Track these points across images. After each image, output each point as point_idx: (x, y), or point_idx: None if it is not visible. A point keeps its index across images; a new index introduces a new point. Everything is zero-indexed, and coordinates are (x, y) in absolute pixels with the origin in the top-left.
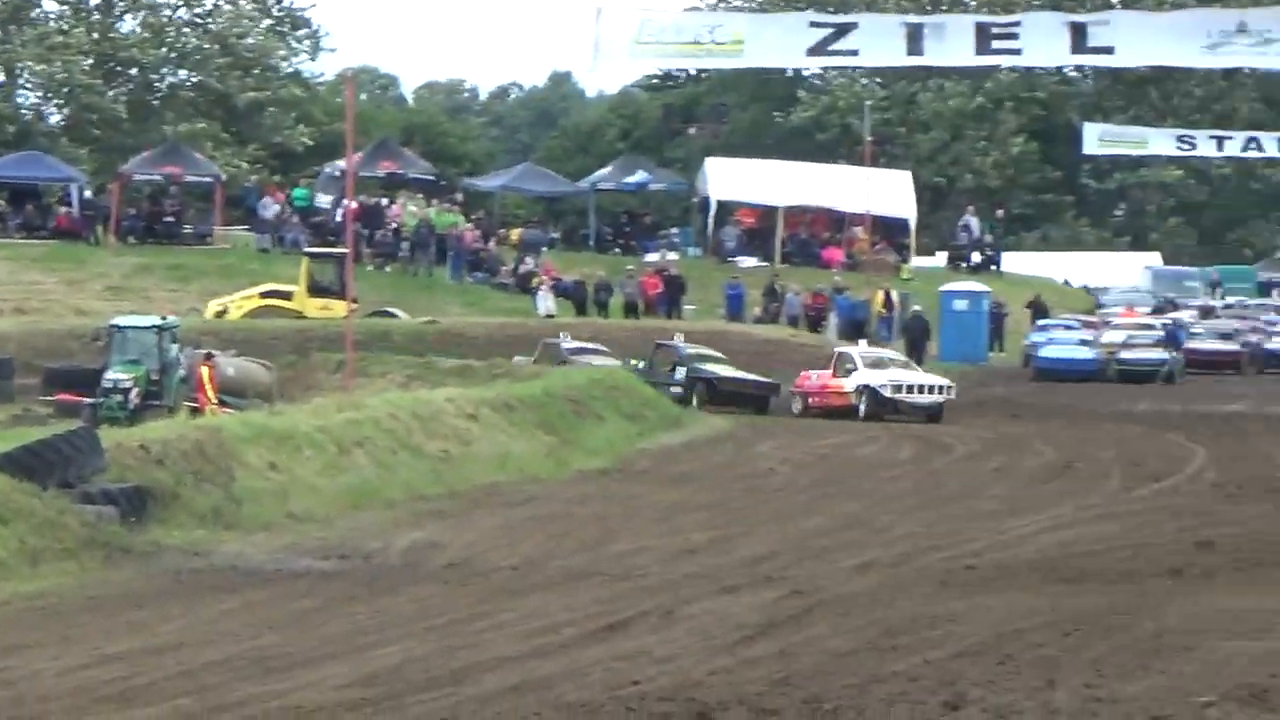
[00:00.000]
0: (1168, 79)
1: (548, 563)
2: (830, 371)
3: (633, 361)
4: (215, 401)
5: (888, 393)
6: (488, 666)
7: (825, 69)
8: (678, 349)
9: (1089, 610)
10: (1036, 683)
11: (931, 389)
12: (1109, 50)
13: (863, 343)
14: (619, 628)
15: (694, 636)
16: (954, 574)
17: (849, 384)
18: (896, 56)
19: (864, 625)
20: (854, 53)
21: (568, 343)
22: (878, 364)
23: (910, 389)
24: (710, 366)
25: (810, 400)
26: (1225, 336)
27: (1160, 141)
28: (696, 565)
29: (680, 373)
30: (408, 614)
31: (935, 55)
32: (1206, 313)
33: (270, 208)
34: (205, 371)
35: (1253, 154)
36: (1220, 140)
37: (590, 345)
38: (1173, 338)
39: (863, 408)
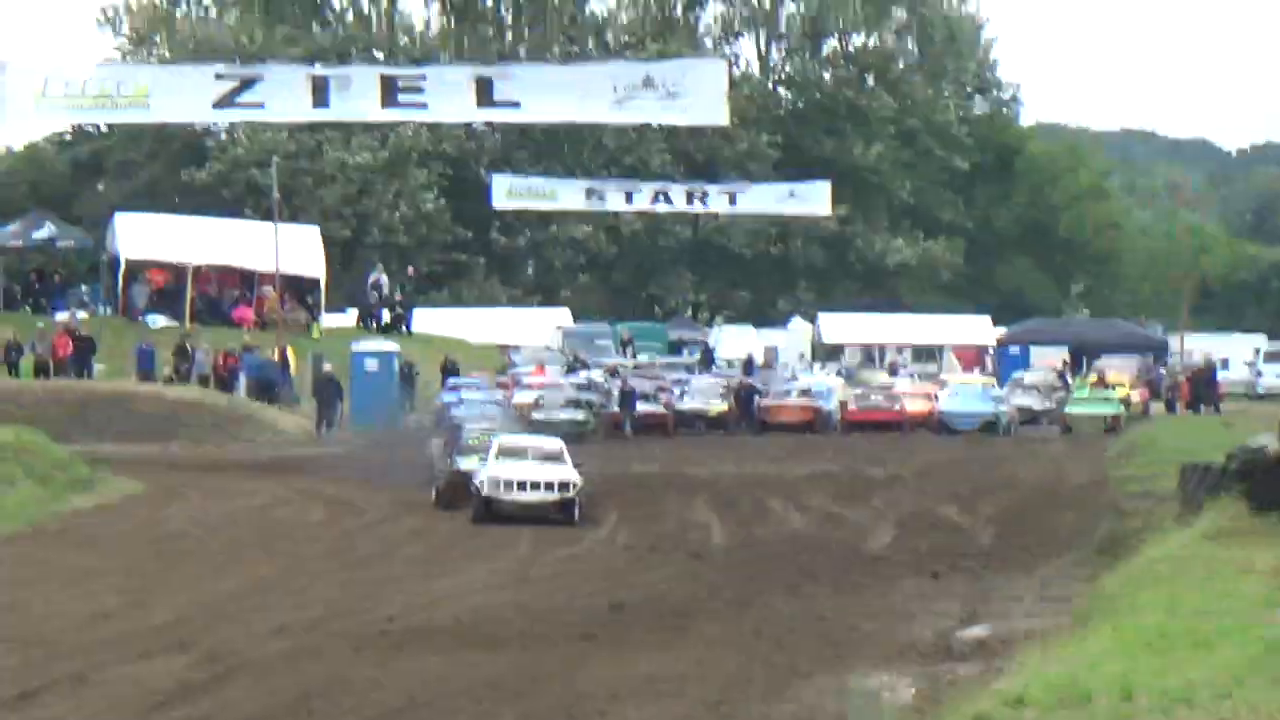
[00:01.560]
0: (577, 132)
1: None
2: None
3: None
4: None
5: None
6: None
7: (232, 123)
8: None
9: (503, 675)
10: None
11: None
12: (515, 105)
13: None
14: (30, 695)
15: (108, 703)
16: (369, 638)
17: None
18: (302, 110)
19: (280, 689)
20: (260, 106)
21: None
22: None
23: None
24: None
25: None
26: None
27: (569, 194)
28: (110, 630)
29: None
30: None
31: (341, 109)
32: (613, 372)
33: None
34: None
35: (661, 207)
36: (629, 193)
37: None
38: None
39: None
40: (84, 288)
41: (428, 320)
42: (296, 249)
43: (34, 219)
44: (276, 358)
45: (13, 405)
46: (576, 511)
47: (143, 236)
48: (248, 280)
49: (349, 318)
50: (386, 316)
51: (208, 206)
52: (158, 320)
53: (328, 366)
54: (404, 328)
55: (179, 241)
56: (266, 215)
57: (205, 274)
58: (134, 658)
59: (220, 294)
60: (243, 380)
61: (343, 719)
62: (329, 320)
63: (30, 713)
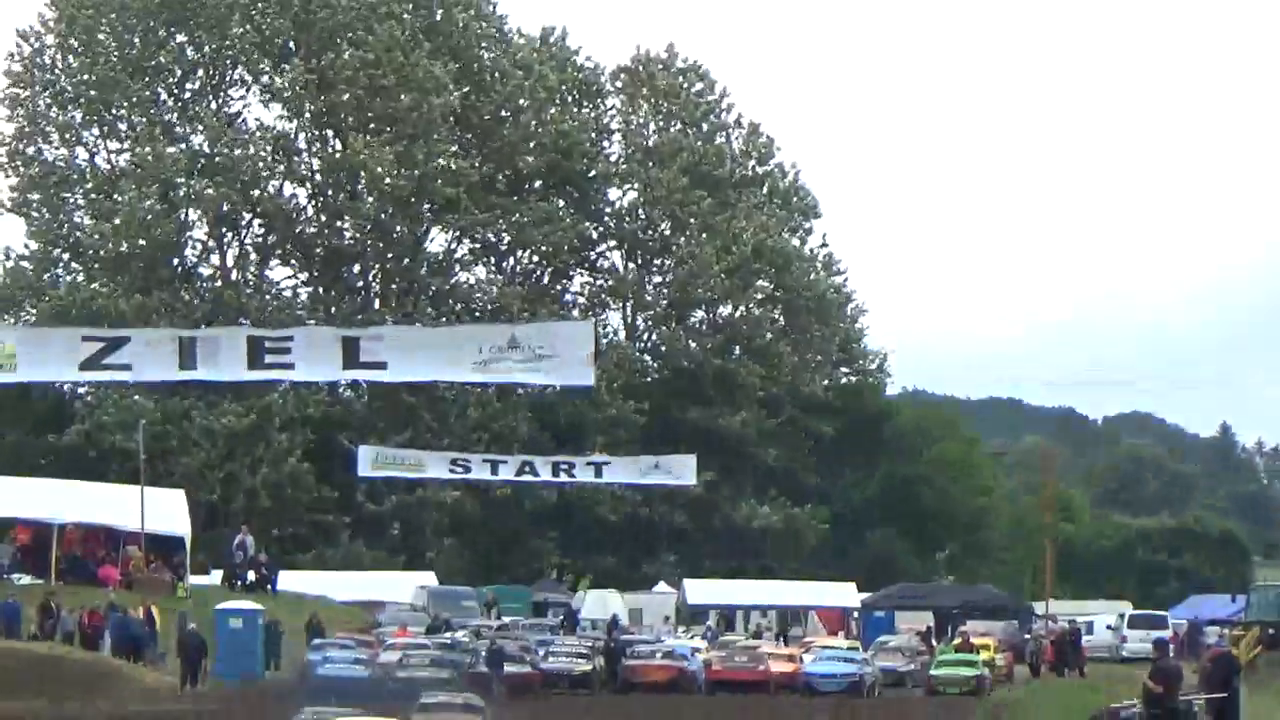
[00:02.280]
0: (442, 401)
1: None
2: None
3: None
4: None
5: None
6: None
7: (99, 384)
8: None
9: None
10: None
11: None
12: (382, 365)
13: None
14: None
15: None
16: None
17: None
18: (169, 371)
19: None
20: (127, 367)
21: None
22: None
23: None
24: None
25: None
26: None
27: (436, 465)
28: None
29: None
30: None
31: (208, 369)
32: (478, 633)
33: None
34: None
35: (527, 478)
36: (495, 464)
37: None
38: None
39: None
40: None
41: (293, 580)
42: (162, 510)
43: None
44: (142, 616)
45: None
46: None
47: (8, 497)
48: (113, 539)
49: (214, 578)
50: (251, 576)
51: (72, 468)
52: (23, 578)
53: (192, 625)
54: (269, 587)
55: (44, 501)
56: (132, 478)
57: (71, 533)
58: None
59: (86, 553)
60: (108, 638)
61: None
62: (194, 580)
63: None
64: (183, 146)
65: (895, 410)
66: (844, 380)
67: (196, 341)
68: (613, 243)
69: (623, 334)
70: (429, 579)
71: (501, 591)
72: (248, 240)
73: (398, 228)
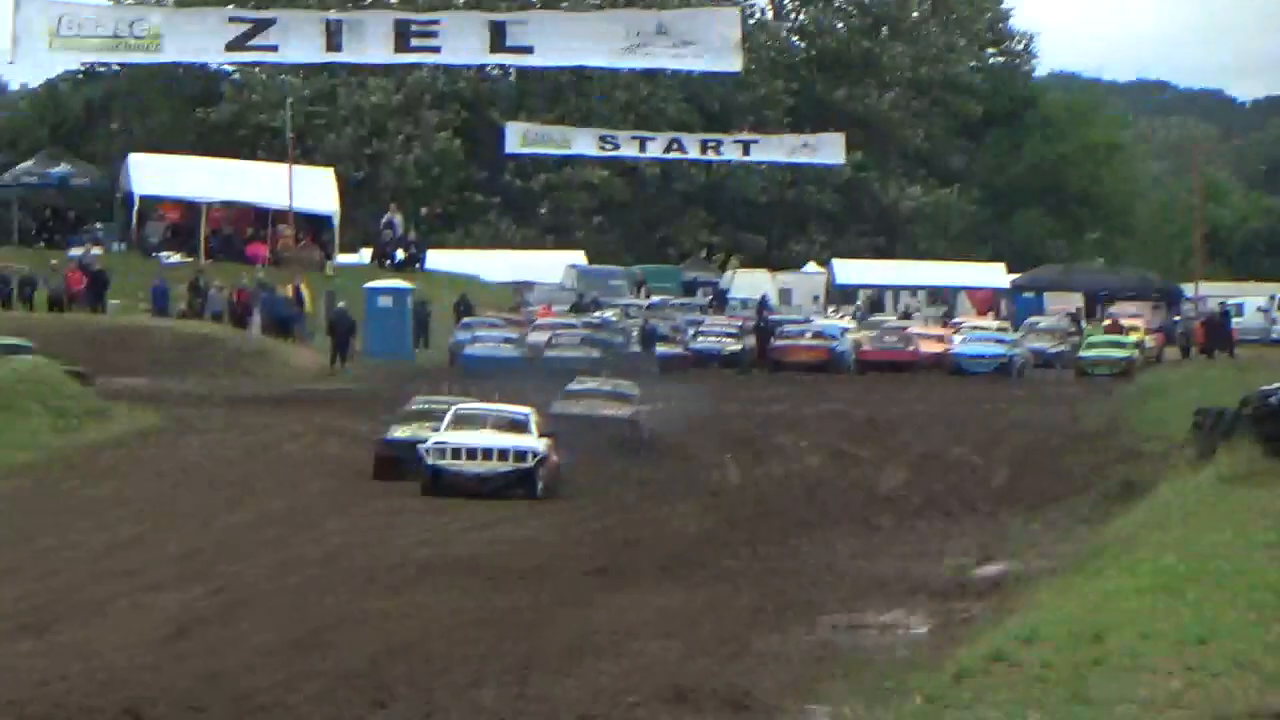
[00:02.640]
0: (589, 81)
1: None
2: None
3: None
4: None
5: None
6: None
7: (245, 64)
8: None
9: (516, 609)
10: (464, 681)
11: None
12: (529, 49)
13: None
14: (43, 626)
15: (121, 633)
16: (381, 572)
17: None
18: (315, 53)
19: (291, 622)
20: (273, 48)
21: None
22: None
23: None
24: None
25: None
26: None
27: (583, 142)
28: (122, 562)
29: None
30: None
31: (354, 52)
32: (627, 313)
33: None
34: None
35: (675, 155)
36: (643, 141)
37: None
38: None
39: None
40: (98, 225)
41: (441, 260)
42: (311, 188)
43: (49, 157)
44: (290, 294)
45: (27, 338)
46: (539, 486)
47: (157, 175)
48: (262, 218)
49: (363, 256)
50: (400, 255)
51: (221, 147)
52: (172, 257)
53: (342, 303)
54: (418, 266)
55: (193, 180)
56: (281, 156)
57: (219, 212)
58: (146, 589)
59: (234, 231)
60: (257, 316)
61: (352, 651)
62: (343, 258)
63: (42, 642)
64: None
65: (1042, 92)
66: (991, 61)
67: (343, 24)
68: None
69: (770, 14)
70: (578, 258)
71: (650, 271)
72: None
73: None
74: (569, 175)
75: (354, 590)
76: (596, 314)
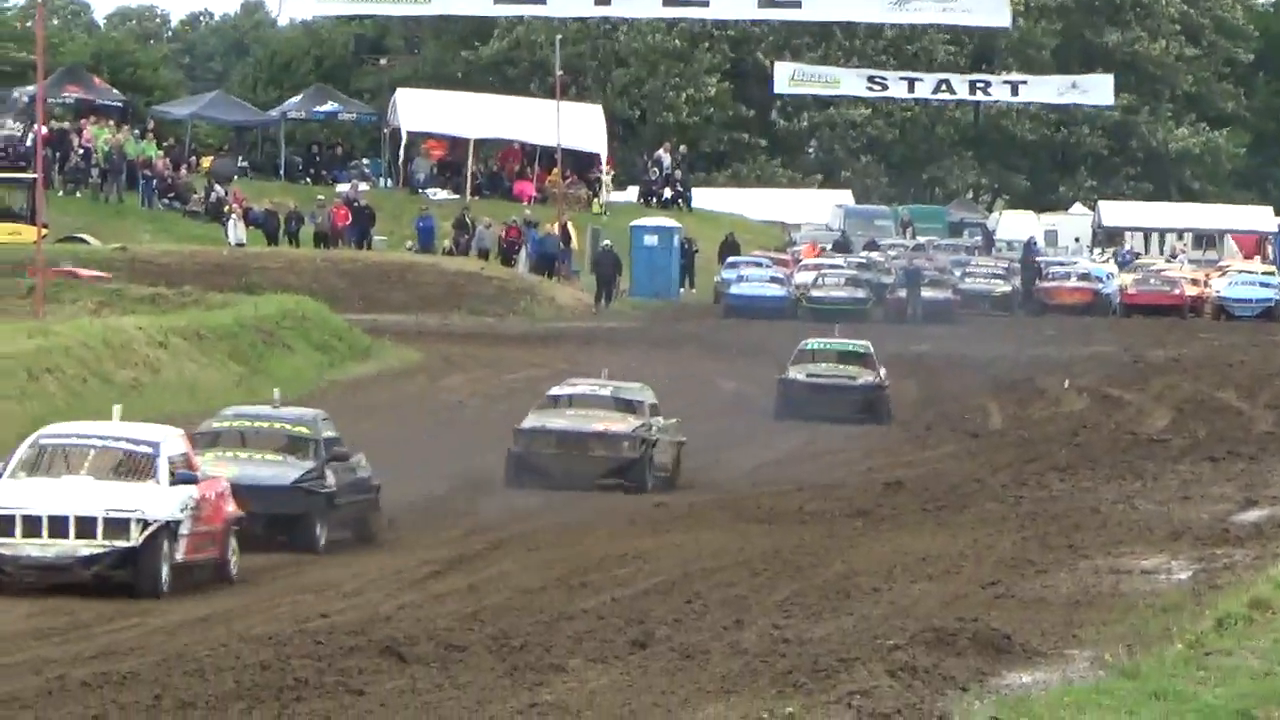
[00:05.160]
0: (856, 23)
1: None
2: None
3: None
4: None
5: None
6: (177, 597)
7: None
8: None
9: (778, 550)
10: (725, 622)
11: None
12: (796, 4)
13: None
14: (307, 560)
15: (383, 571)
16: (642, 512)
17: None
18: (584, 6)
19: (552, 562)
20: (542, 1)
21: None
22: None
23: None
24: None
25: None
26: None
27: (851, 82)
28: (382, 498)
29: None
30: None
31: (623, 6)
32: (893, 253)
33: None
34: None
35: (944, 96)
36: (911, 82)
37: None
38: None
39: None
40: (365, 160)
41: (708, 199)
42: (579, 125)
43: (317, 93)
44: (557, 232)
45: (292, 274)
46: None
47: (424, 111)
48: (529, 155)
49: (630, 194)
50: (667, 193)
51: (490, 84)
52: (438, 193)
53: (607, 242)
54: (684, 204)
55: (460, 116)
56: (550, 93)
57: (486, 148)
58: (409, 528)
59: (501, 168)
60: (523, 254)
61: (615, 590)
62: (610, 197)
63: (308, 578)
64: None
65: None
66: (1261, 5)
67: None
68: None
69: None
70: (845, 198)
71: (917, 211)
72: None
73: None
74: (834, 115)
75: (615, 530)
76: (862, 254)
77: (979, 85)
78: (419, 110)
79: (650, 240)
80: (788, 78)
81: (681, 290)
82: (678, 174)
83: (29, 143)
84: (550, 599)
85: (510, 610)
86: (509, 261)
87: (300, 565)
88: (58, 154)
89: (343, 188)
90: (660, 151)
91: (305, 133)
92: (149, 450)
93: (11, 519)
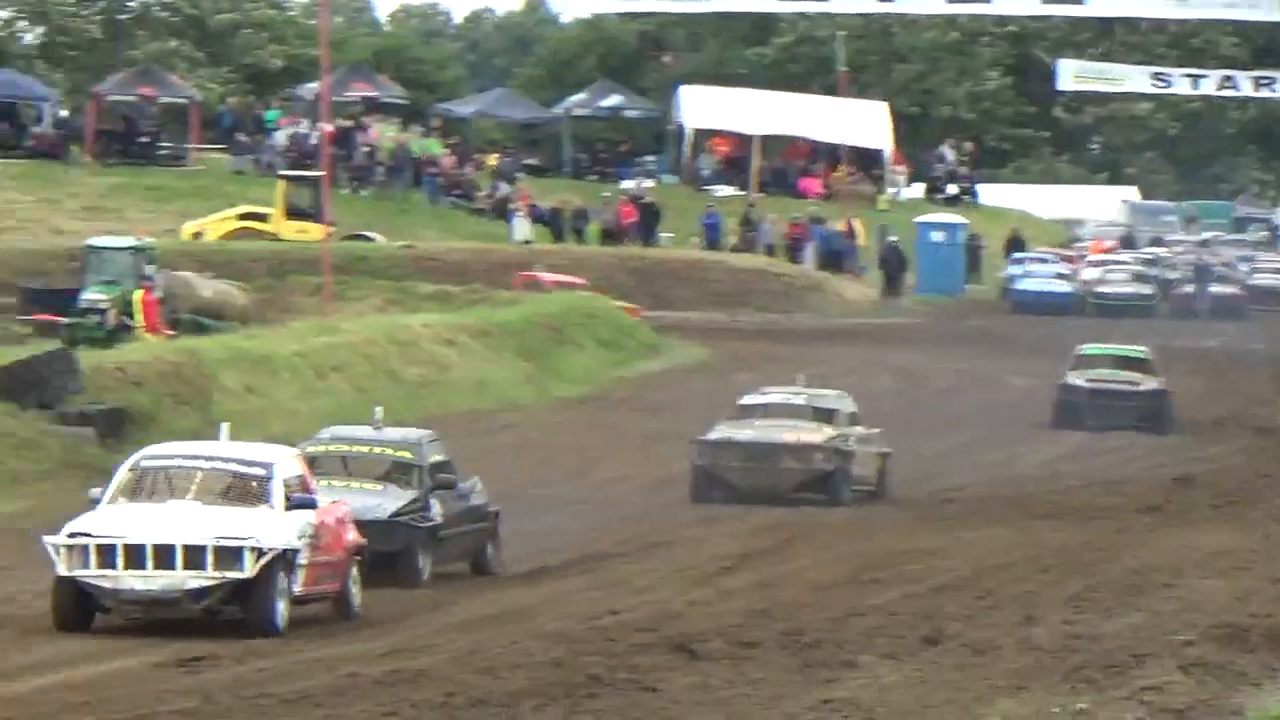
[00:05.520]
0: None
1: (527, 491)
2: None
3: None
4: (157, 326)
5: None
6: (466, 593)
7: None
8: None
9: (1068, 546)
10: (1015, 618)
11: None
12: (1079, 0)
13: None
14: (599, 559)
15: (673, 567)
16: (933, 508)
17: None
18: (868, 3)
19: (843, 558)
20: None
21: None
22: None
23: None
24: None
25: None
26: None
27: (1136, 79)
28: (675, 495)
29: None
30: None
31: (906, 3)
32: (1178, 250)
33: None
34: (138, 296)
35: (1228, 92)
36: (1196, 79)
37: None
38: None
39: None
40: (650, 157)
41: (992, 195)
42: (863, 122)
43: (601, 89)
44: (843, 228)
45: (579, 271)
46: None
47: (709, 107)
48: (814, 151)
49: (915, 190)
50: (953, 189)
51: (771, 81)
52: (723, 189)
53: (893, 237)
54: (970, 200)
55: (745, 113)
56: (833, 90)
57: (771, 144)
58: (698, 522)
59: (786, 165)
60: (809, 250)
61: (906, 587)
62: (896, 194)
63: (599, 575)
64: None
65: None
66: None
67: None
68: None
69: None
70: (1131, 194)
71: (1202, 207)
72: None
73: None
74: (1117, 111)
75: (905, 526)
76: (1148, 250)
77: (1264, 81)
78: (704, 107)
79: (936, 236)
80: (1072, 74)
81: (966, 286)
82: (962, 170)
83: (314, 140)
84: (840, 595)
85: (800, 606)
86: (795, 258)
87: (587, 562)
88: (345, 151)
89: (628, 184)
90: (943, 147)
91: (589, 129)
92: (262, 472)
93: (113, 549)
